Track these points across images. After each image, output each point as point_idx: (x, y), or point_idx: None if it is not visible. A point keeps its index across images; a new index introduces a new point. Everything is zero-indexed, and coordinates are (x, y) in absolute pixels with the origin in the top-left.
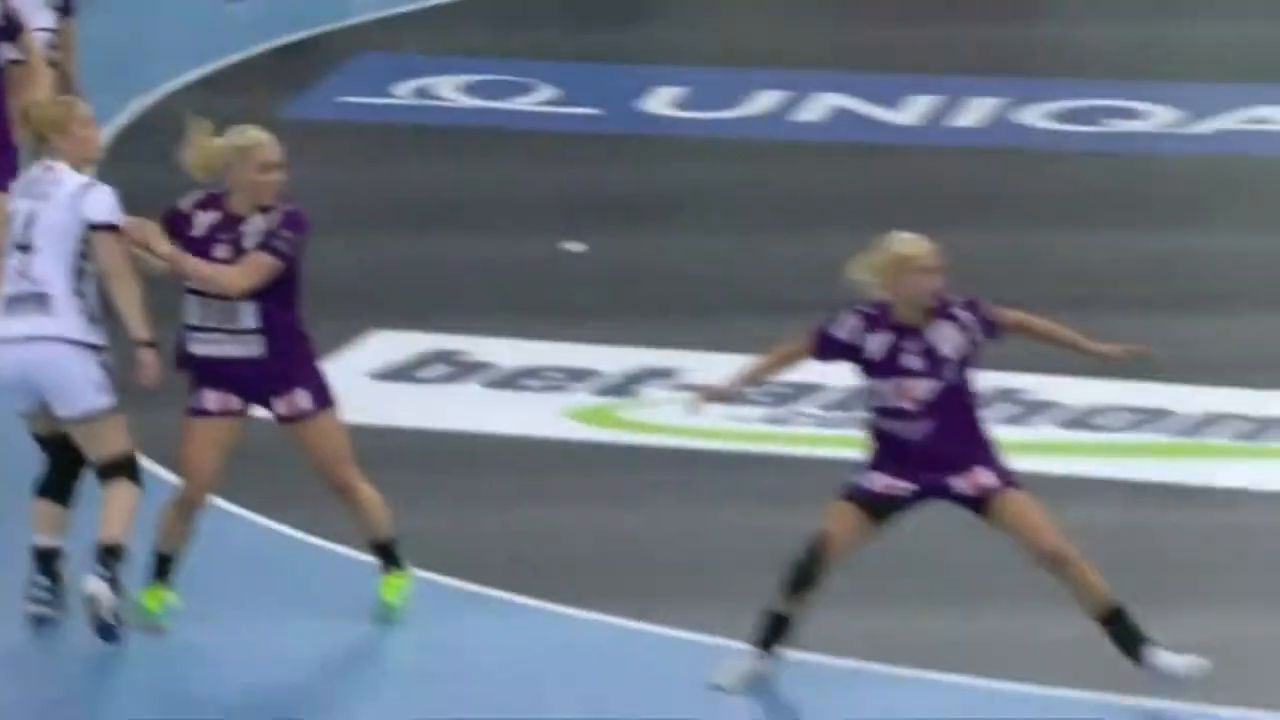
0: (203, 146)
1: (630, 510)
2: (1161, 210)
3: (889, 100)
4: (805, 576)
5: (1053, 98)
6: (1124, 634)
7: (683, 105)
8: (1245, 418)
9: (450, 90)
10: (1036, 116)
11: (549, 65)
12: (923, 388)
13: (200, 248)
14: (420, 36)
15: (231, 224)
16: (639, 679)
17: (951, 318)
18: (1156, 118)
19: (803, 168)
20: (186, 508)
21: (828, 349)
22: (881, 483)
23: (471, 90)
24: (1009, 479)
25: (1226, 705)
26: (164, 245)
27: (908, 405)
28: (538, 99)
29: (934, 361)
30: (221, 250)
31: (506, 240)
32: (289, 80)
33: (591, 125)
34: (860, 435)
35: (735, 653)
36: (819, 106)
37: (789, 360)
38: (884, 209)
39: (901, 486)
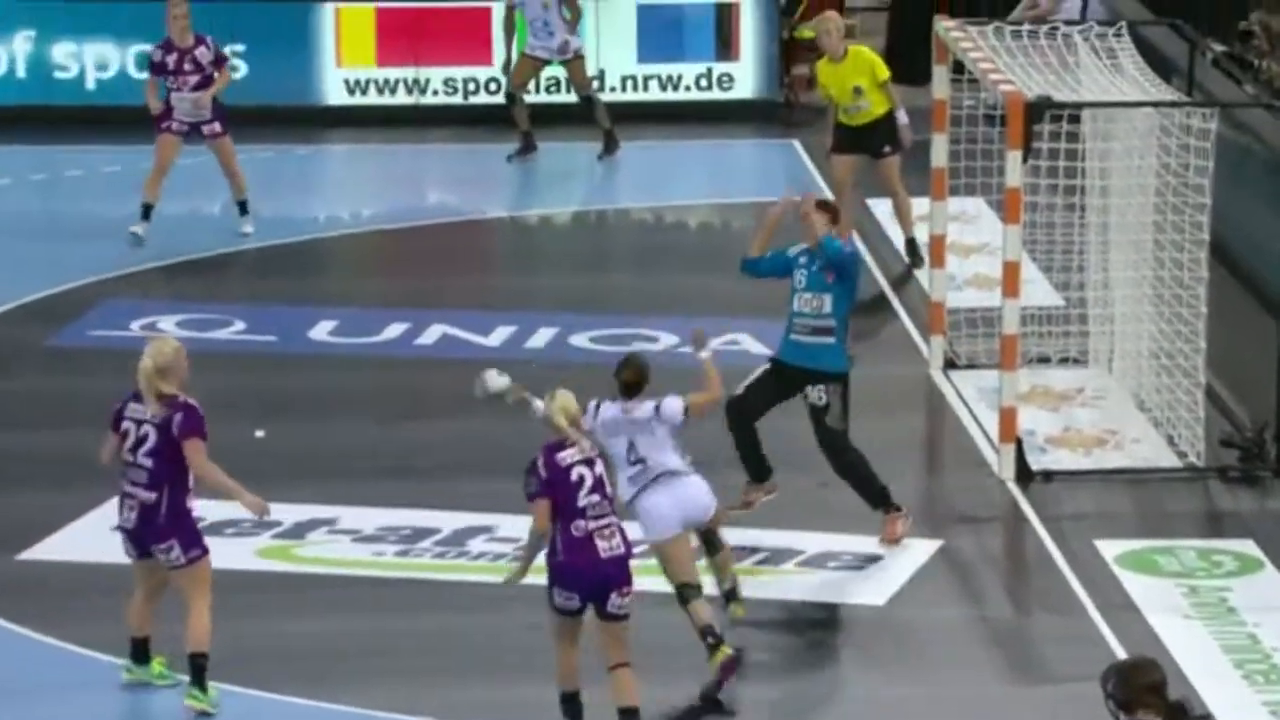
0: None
1: (304, 618)
2: None
3: (481, 329)
4: None
5: (595, 327)
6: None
7: (336, 333)
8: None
9: (169, 324)
10: (583, 340)
11: (239, 306)
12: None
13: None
14: (148, 288)
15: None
16: None
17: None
18: (662, 340)
19: (420, 375)
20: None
21: None
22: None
23: (184, 324)
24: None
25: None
26: None
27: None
28: (233, 330)
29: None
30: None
31: (215, 427)
32: (54, 319)
33: (270, 348)
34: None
35: None
36: (433, 333)
37: None
38: (477, 404)
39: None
